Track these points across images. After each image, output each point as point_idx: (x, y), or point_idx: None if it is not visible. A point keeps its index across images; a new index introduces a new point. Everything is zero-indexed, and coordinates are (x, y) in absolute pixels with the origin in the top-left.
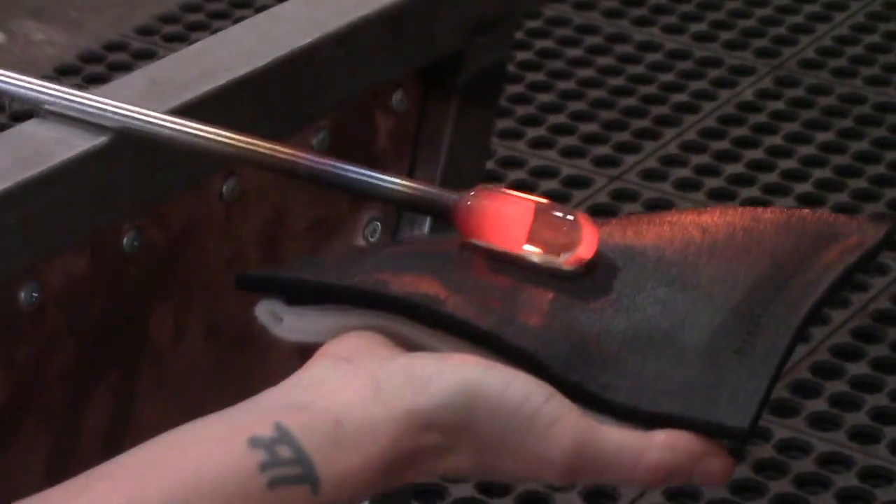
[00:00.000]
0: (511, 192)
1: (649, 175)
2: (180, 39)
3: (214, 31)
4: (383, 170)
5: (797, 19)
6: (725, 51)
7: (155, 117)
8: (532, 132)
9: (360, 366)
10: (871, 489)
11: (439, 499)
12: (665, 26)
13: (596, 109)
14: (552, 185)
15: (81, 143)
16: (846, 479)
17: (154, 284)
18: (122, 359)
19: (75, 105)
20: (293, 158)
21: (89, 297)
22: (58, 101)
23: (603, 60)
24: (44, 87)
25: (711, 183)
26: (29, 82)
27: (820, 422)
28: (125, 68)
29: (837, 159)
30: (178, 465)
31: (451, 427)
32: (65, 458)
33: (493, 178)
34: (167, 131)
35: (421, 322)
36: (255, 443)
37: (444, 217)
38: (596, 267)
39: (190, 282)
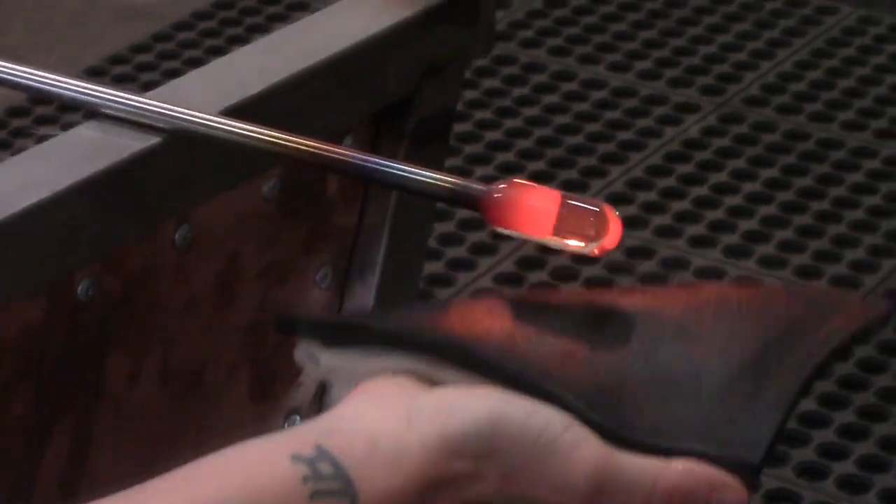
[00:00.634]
0: (537, 184)
1: None
2: (129, 80)
3: (163, 72)
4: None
5: (741, 57)
6: (670, 88)
7: (201, 117)
8: (480, 170)
9: (394, 399)
10: None
11: None
12: (610, 64)
13: (542, 148)
14: None
15: (39, 191)
16: None
17: (109, 331)
18: (78, 404)
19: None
20: (328, 154)
21: (44, 344)
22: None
23: (549, 98)
24: None
25: (658, 220)
26: None
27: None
28: (74, 110)
29: (782, 196)
30: (225, 475)
31: (478, 454)
32: (22, 502)
33: (443, 217)
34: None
35: (451, 364)
36: (297, 459)
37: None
38: (617, 319)
39: (144, 328)
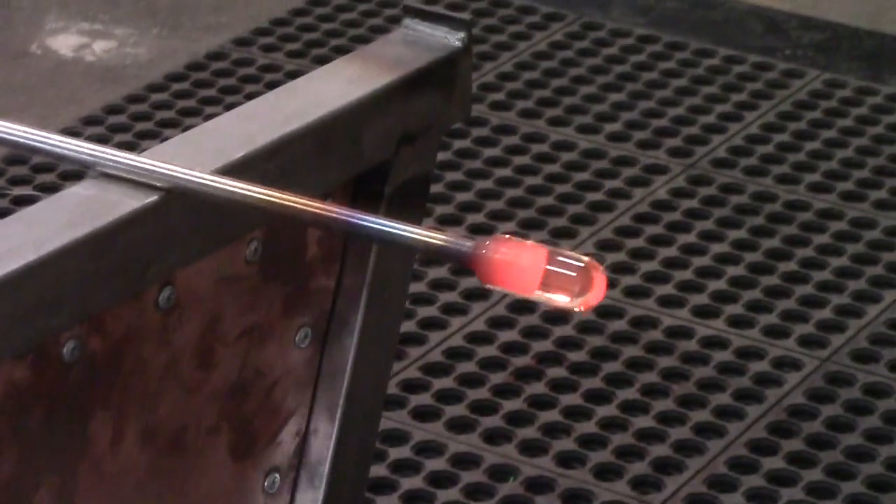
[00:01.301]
0: (524, 240)
1: None
2: (104, 141)
3: (137, 134)
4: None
5: (709, 119)
6: (639, 150)
7: (195, 175)
8: (452, 231)
9: None
10: None
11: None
12: (580, 126)
13: (513, 208)
14: (472, 282)
15: (26, 254)
16: None
17: (93, 391)
18: (63, 463)
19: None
20: (322, 212)
21: (31, 404)
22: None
23: (520, 160)
24: None
25: (627, 280)
26: None
27: None
28: (48, 171)
29: (750, 256)
30: None
31: None
32: None
33: (415, 277)
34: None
35: None
36: None
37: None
38: None
39: (128, 389)
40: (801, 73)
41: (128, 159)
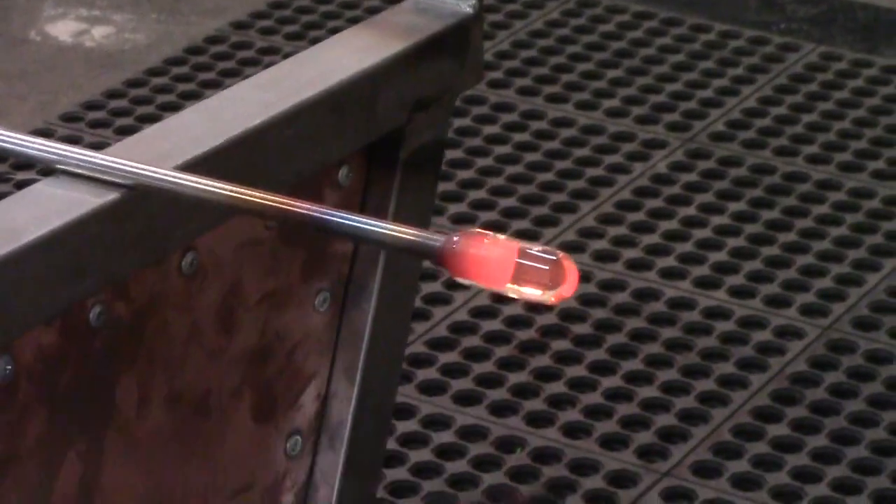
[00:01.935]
0: (494, 234)
1: (568, 247)
2: (105, 125)
3: (138, 118)
4: (373, 216)
5: (706, 94)
6: (638, 125)
7: (162, 173)
8: (453, 208)
9: None
10: None
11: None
12: (578, 103)
13: (514, 184)
14: None
15: (53, 220)
16: None
17: (119, 356)
18: (90, 428)
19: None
20: (287, 207)
21: (59, 369)
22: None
23: (519, 137)
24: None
25: (629, 254)
26: None
27: (743, 482)
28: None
29: (750, 228)
30: None
31: None
32: None
33: None
34: (171, 186)
35: None
36: None
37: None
38: None
39: (152, 353)
40: (796, 46)
41: (92, 157)
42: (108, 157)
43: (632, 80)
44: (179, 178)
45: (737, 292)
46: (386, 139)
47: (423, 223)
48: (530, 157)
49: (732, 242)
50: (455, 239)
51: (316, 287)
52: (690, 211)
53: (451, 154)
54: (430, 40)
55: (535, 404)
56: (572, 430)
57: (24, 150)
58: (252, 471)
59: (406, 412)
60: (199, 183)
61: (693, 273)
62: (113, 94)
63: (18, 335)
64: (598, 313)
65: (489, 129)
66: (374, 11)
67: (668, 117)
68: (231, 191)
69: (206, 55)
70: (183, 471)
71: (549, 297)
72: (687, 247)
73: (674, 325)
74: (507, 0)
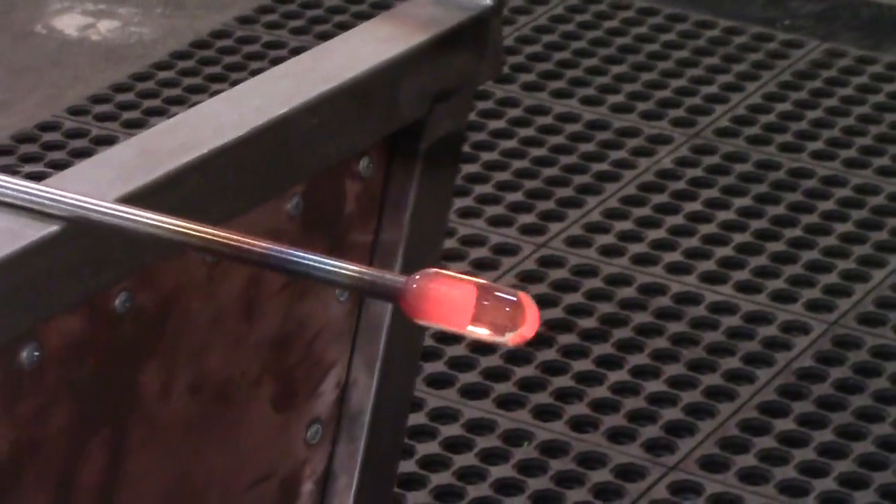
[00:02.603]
0: (455, 273)
1: (574, 242)
2: (111, 118)
3: (145, 111)
4: (337, 255)
5: (712, 90)
6: (643, 121)
7: (107, 207)
8: (460, 202)
9: None
10: None
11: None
12: (583, 98)
13: (520, 179)
14: (481, 252)
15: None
16: None
17: (143, 343)
18: (114, 415)
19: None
20: (244, 245)
21: (85, 354)
22: None
23: (524, 132)
24: None
25: (635, 248)
26: None
27: (750, 476)
28: (58, 147)
29: (755, 224)
30: None
31: None
32: None
33: None
34: (117, 220)
35: None
36: None
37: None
38: None
39: (176, 340)
40: (801, 43)
41: (34, 189)
42: (38, 187)
43: (637, 75)
44: (122, 212)
45: (743, 288)
46: (407, 130)
47: (441, 215)
48: (536, 152)
49: (738, 238)
50: (416, 279)
51: None
52: (696, 206)
53: None
54: (451, 32)
55: (542, 398)
56: (579, 424)
57: None
58: (272, 459)
59: (414, 405)
60: (142, 216)
61: (699, 268)
62: (119, 88)
63: (45, 321)
64: (605, 308)
65: (495, 124)
66: (379, 6)
67: (674, 113)
68: (181, 227)
69: (211, 49)
70: (205, 458)
71: (508, 338)
72: (693, 242)
73: (680, 320)
74: None
